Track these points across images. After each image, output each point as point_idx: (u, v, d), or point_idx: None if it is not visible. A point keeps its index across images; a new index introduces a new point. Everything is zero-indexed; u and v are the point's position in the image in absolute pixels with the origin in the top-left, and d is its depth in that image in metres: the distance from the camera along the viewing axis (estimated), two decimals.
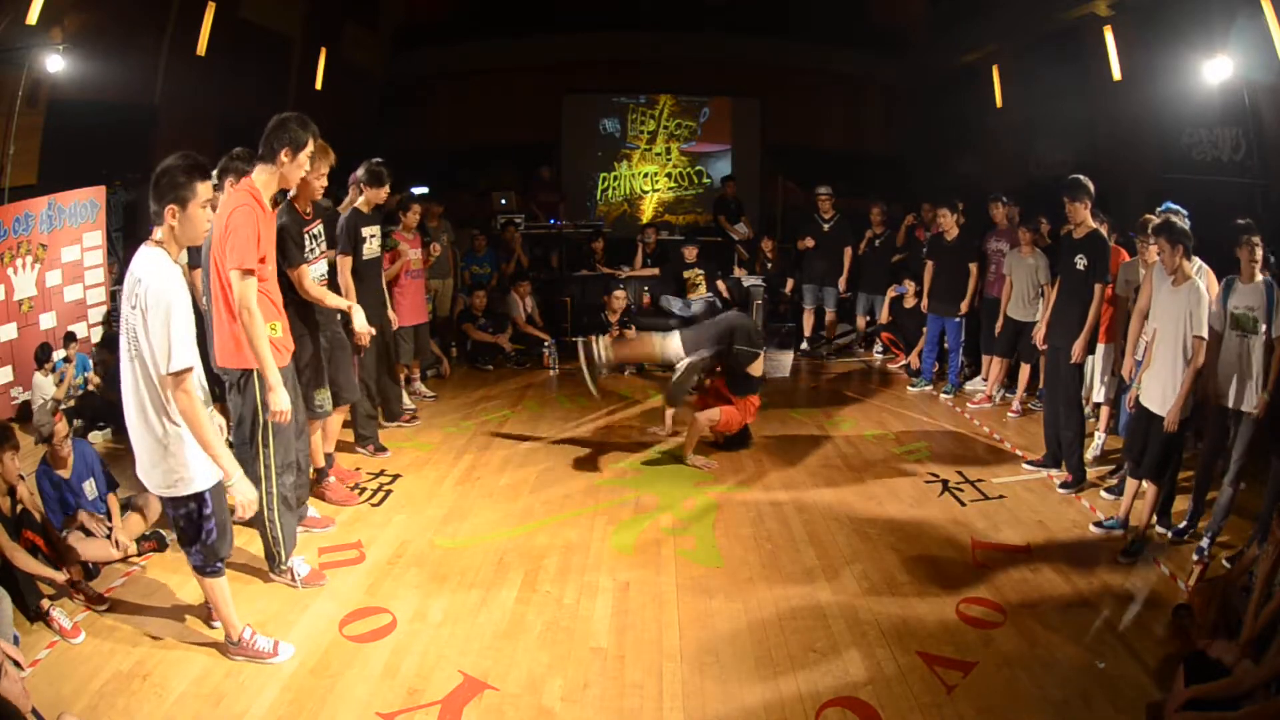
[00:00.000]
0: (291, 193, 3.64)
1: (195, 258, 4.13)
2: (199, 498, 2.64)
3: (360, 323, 3.83)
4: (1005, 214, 6.09)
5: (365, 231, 4.61)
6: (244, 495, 2.62)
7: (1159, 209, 4.13)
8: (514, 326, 7.29)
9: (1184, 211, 4.06)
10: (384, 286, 4.99)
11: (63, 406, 5.01)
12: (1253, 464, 3.66)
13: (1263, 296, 3.57)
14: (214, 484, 2.66)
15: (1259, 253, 3.58)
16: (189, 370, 2.44)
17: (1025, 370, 5.74)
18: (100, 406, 5.10)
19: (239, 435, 3.19)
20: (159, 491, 2.63)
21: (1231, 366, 3.65)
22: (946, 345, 6.37)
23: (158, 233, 2.48)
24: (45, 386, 5.12)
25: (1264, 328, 3.57)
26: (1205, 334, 3.50)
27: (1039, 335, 5.10)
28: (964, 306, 6.09)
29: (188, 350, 2.43)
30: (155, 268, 2.43)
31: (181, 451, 2.55)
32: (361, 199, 4.63)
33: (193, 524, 2.67)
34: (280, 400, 3.04)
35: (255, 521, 3.22)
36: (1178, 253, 3.57)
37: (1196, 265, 3.71)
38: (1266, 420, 3.58)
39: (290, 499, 3.32)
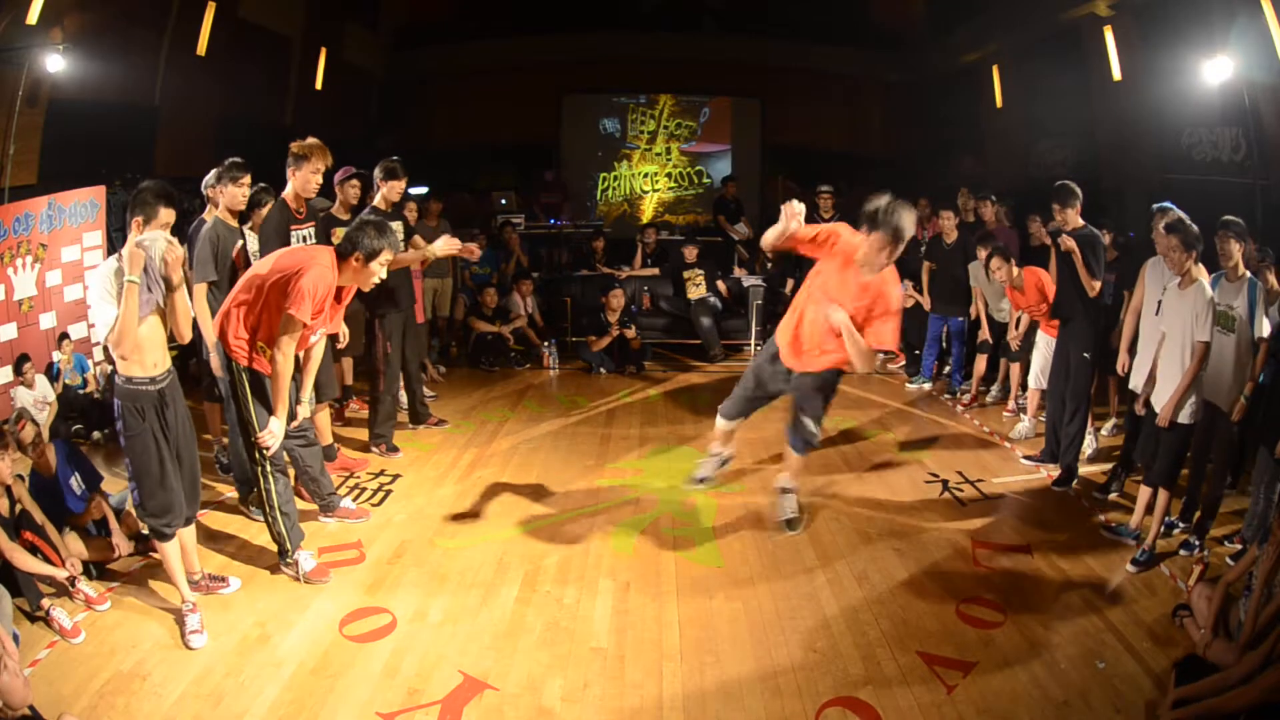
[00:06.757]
0: (286, 190, 3.93)
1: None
2: None
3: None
4: (994, 213, 6.12)
5: None
6: (280, 430, 3.18)
7: (1154, 207, 4.11)
8: (517, 322, 7.29)
9: (1182, 213, 4.04)
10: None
11: (50, 402, 4.99)
12: (1245, 461, 3.66)
13: (1244, 295, 3.54)
14: None
15: (1235, 250, 3.55)
16: None
17: (980, 361, 5.85)
18: (93, 408, 5.08)
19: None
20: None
21: (1213, 363, 3.60)
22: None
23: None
24: (24, 397, 5.01)
25: (1245, 326, 3.54)
26: (1208, 338, 3.44)
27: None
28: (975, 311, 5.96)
29: None
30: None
31: None
32: (380, 196, 4.66)
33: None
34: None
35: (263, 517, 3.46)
36: (1189, 257, 3.48)
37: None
38: (1258, 420, 3.56)
39: (286, 497, 3.37)
